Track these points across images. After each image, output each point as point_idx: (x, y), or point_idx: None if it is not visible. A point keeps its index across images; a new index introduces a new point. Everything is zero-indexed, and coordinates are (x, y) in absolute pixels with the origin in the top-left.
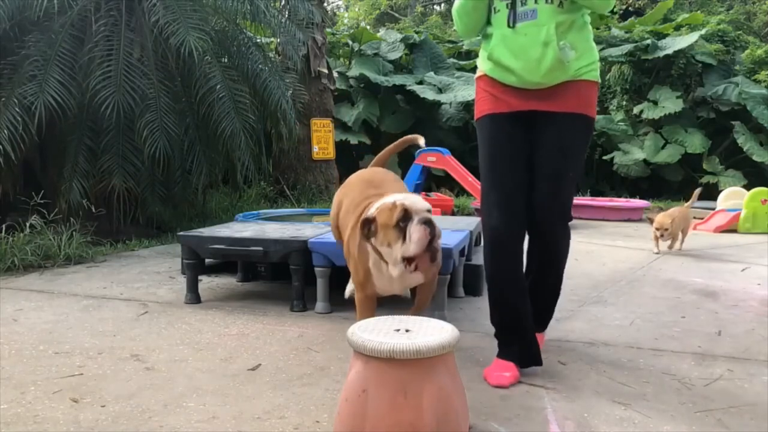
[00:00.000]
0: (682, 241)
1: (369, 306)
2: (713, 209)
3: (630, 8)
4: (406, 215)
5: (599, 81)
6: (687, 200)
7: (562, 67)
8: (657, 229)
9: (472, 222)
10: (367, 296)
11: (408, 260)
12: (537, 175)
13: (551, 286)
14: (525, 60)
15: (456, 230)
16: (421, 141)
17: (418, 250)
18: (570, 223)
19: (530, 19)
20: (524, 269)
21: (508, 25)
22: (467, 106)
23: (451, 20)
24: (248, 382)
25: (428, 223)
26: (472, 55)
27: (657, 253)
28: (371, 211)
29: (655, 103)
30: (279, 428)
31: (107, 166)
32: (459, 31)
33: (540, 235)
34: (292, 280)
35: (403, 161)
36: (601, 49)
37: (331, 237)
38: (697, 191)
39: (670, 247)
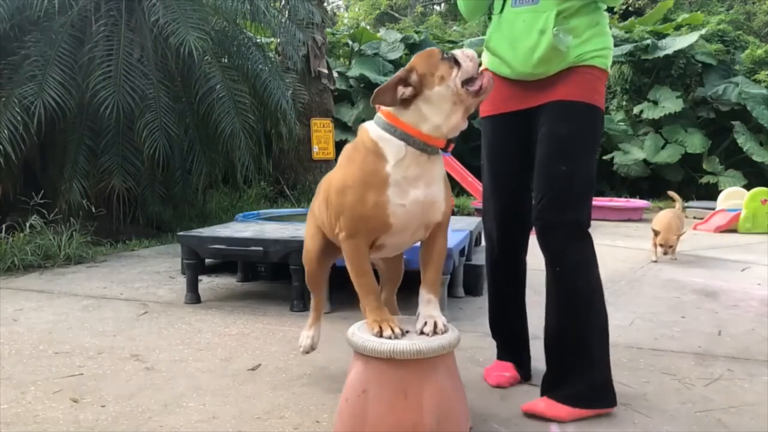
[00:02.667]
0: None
1: (365, 253)
2: (713, 209)
3: (630, 8)
4: (444, 51)
5: (607, 69)
6: (677, 201)
7: (558, 55)
8: (662, 245)
9: (472, 222)
10: (359, 242)
11: (467, 84)
12: (534, 172)
13: (564, 330)
14: (518, 49)
15: (456, 230)
16: None
17: (476, 65)
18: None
19: (530, 4)
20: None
21: (500, 11)
22: None
23: (451, 20)
24: (248, 382)
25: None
26: None
27: (655, 261)
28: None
29: (655, 103)
30: (279, 428)
31: (107, 166)
32: (461, 11)
33: (541, 243)
34: (292, 280)
35: None
36: None
37: None
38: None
39: (672, 252)
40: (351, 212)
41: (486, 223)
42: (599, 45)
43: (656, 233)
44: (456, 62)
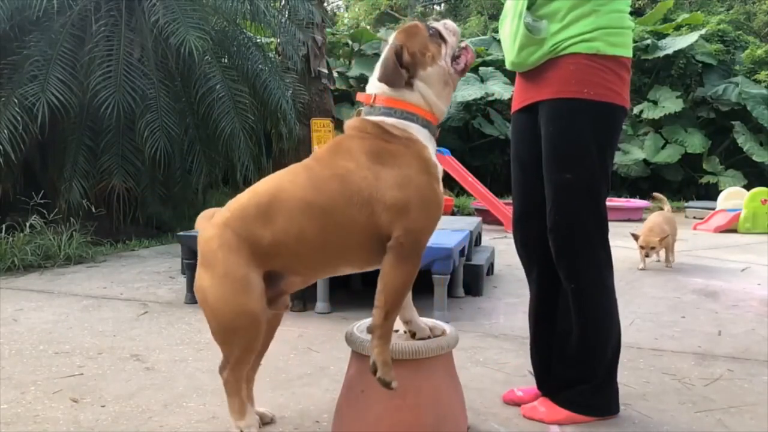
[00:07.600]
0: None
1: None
2: (713, 209)
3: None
4: (428, 26)
5: (600, 52)
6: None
7: (534, 43)
8: (642, 247)
9: (472, 222)
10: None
11: (454, 62)
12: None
13: (571, 335)
14: (508, 36)
15: (456, 230)
16: None
17: (458, 38)
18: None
19: None
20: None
21: None
22: (467, 106)
23: (451, 20)
24: None
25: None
26: None
27: (642, 269)
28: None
29: (655, 103)
30: (279, 428)
31: (107, 166)
32: None
33: (552, 254)
34: None
35: None
36: None
37: None
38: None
39: (667, 260)
40: (428, 207)
41: (514, 229)
42: (585, 28)
43: (635, 237)
44: (442, 38)
